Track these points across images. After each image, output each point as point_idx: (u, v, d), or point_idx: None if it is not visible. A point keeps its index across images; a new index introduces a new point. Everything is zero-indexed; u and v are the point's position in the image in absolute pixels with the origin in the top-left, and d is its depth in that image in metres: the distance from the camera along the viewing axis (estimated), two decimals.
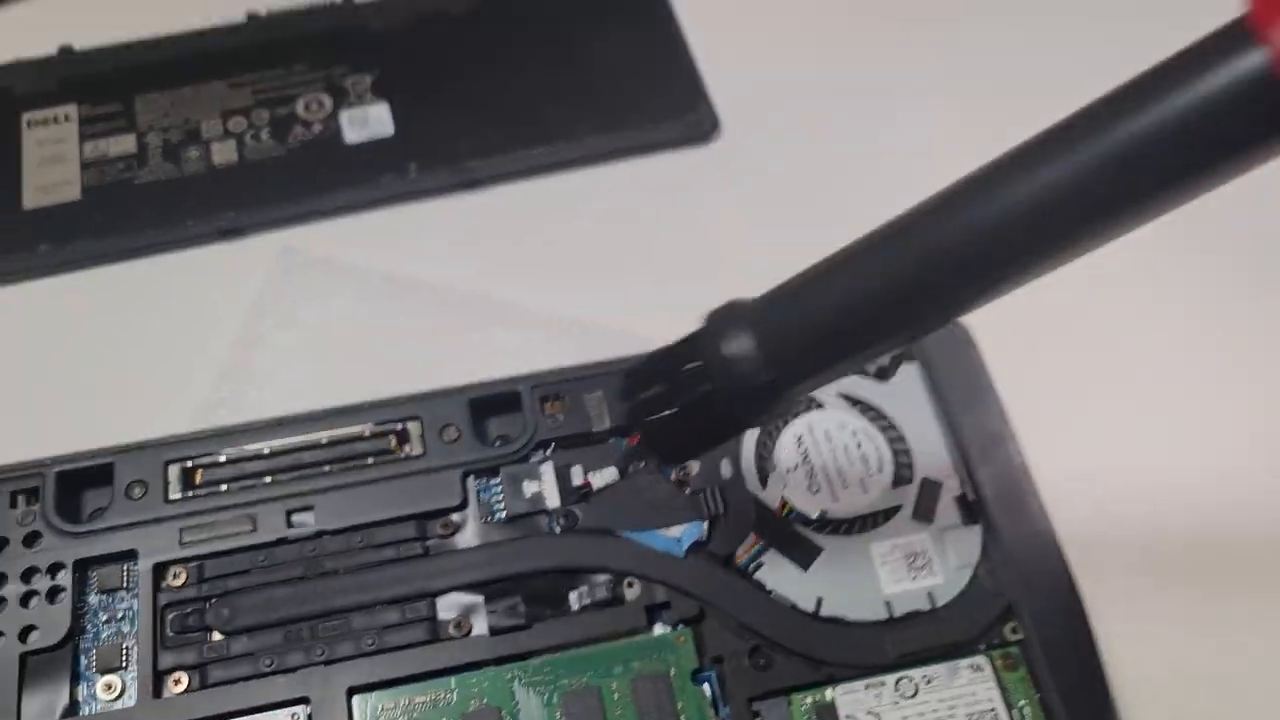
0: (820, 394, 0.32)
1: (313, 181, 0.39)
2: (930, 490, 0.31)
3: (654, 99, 0.42)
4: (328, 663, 0.28)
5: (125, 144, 0.40)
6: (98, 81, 0.42)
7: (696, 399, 0.24)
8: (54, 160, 0.40)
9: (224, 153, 0.40)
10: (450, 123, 0.41)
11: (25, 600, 0.29)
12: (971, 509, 0.30)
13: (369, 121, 0.41)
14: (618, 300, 0.37)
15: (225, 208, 0.39)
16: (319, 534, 0.30)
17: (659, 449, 0.27)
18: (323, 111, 0.41)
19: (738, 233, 0.39)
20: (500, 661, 0.28)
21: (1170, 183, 0.19)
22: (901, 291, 0.22)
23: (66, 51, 0.43)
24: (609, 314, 0.36)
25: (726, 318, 0.24)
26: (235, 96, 0.41)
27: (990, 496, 0.30)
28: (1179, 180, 0.19)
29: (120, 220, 0.38)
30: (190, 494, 0.31)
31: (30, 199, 0.39)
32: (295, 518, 0.30)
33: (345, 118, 0.41)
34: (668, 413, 0.25)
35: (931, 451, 0.31)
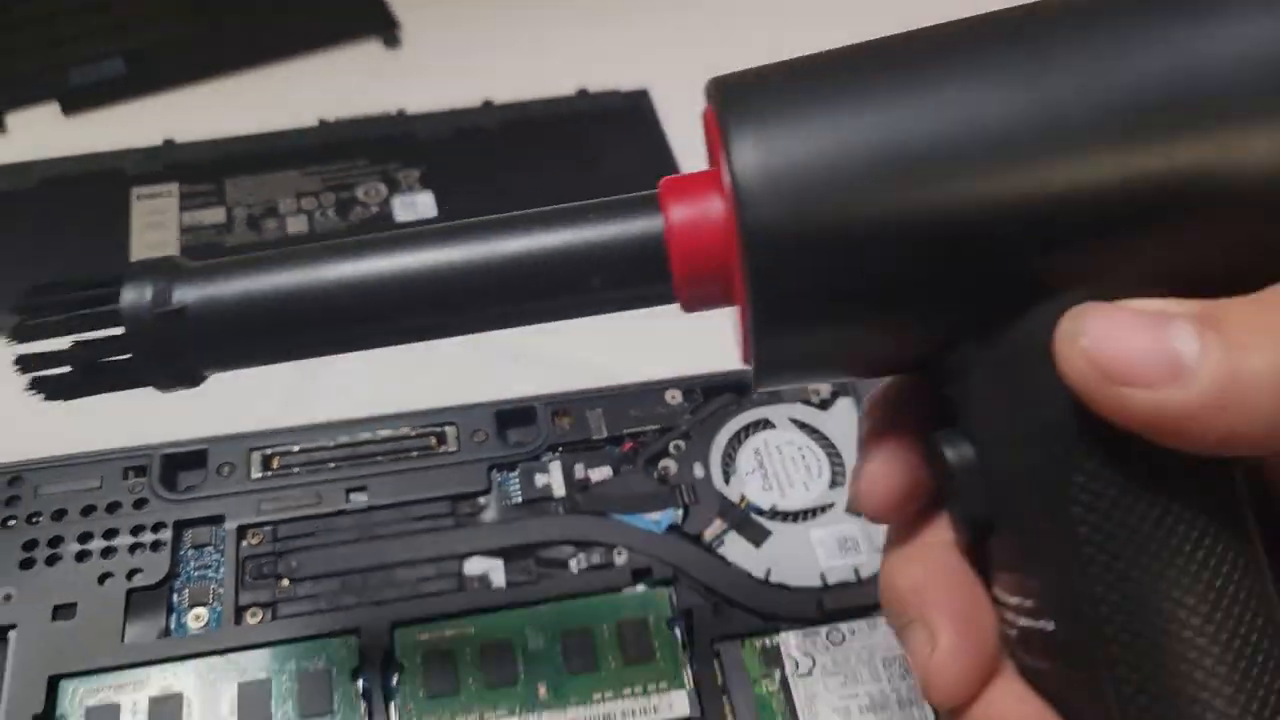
0: (774, 417, 0.40)
1: None
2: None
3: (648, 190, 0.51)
4: (375, 604, 0.35)
5: (216, 215, 0.49)
6: (194, 167, 0.51)
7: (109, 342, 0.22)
8: (157, 226, 0.49)
9: (297, 224, 0.49)
10: (483, 209, 0.50)
11: (133, 550, 0.36)
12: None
13: (416, 205, 0.50)
14: (608, 346, 0.45)
15: None
16: (370, 508, 0.37)
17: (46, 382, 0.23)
18: (379, 196, 0.50)
19: None
20: (513, 606, 0.35)
21: (553, 298, 0.22)
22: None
23: (169, 143, 0.52)
24: (602, 356, 0.45)
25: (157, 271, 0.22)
26: (307, 182, 0.51)
27: None
28: (560, 299, 0.22)
29: None
30: (268, 474, 0.38)
31: (136, 253, 0.48)
32: (352, 496, 0.38)
33: (397, 202, 0.50)
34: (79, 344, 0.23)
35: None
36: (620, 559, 0.37)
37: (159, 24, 0.58)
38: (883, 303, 0.19)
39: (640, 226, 0.21)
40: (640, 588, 0.36)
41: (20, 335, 0.23)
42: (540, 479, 0.38)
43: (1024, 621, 0.20)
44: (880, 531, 0.37)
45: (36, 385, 0.23)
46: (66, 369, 0.23)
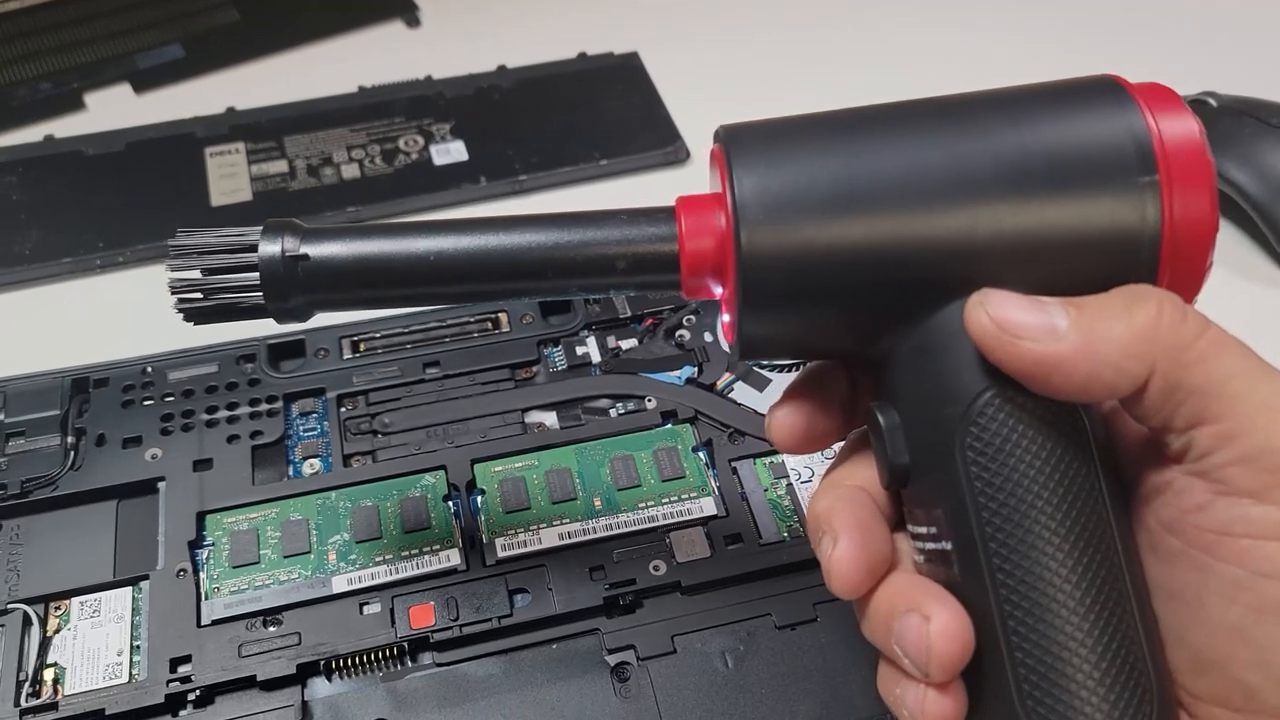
0: None
1: (414, 188, 0.55)
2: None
3: (643, 136, 0.58)
4: (456, 447, 0.42)
5: (280, 166, 0.56)
6: (256, 129, 0.58)
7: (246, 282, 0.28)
8: (230, 177, 0.55)
9: (350, 171, 0.56)
10: (506, 152, 0.57)
11: (252, 417, 0.43)
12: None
13: (451, 151, 0.57)
14: None
15: (352, 204, 0.54)
16: (444, 376, 0.44)
17: (191, 308, 0.28)
18: (417, 146, 0.57)
19: None
20: (567, 444, 0.42)
21: (587, 278, 0.27)
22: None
23: (231, 110, 0.59)
24: None
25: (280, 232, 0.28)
26: (355, 137, 0.57)
27: None
28: (593, 279, 0.27)
29: (281, 212, 0.53)
30: (356, 356, 0.45)
31: (216, 200, 0.54)
32: (428, 369, 0.44)
33: (434, 149, 0.57)
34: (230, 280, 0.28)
35: None
36: (650, 405, 0.44)
37: (209, 16, 0.65)
38: (836, 299, 0.25)
39: (661, 230, 0.27)
40: (668, 426, 0.43)
41: (176, 267, 0.28)
42: (580, 350, 0.45)
43: (929, 545, 0.26)
44: None
45: (182, 308, 0.28)
46: (207, 299, 0.28)
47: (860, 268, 0.25)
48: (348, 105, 0.59)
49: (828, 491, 0.28)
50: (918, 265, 0.25)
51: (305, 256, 0.27)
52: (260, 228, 0.28)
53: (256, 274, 0.28)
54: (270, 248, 0.28)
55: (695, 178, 0.57)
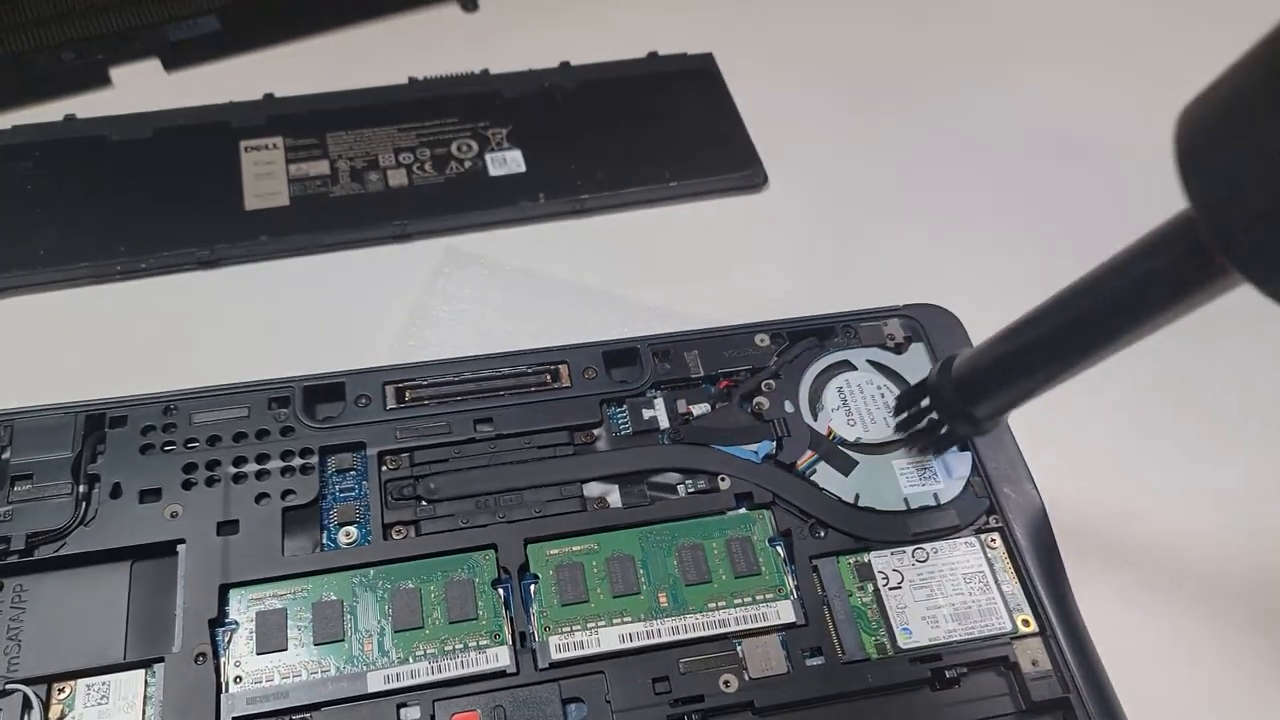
0: (854, 359, 0.42)
1: (466, 202, 0.50)
2: (934, 426, 0.41)
3: (718, 156, 0.53)
4: (509, 522, 0.38)
5: (321, 167, 0.51)
6: (296, 121, 0.52)
7: (932, 420, 0.38)
8: (267, 176, 0.50)
9: (397, 178, 0.50)
10: (568, 166, 0.52)
11: (284, 473, 0.38)
12: (964, 440, 0.41)
13: (507, 161, 0.51)
14: (693, 295, 0.47)
15: (399, 217, 0.49)
16: (497, 436, 0.40)
17: (922, 444, 0.40)
18: (471, 152, 0.52)
19: (776, 257, 0.50)
20: (630, 526, 0.38)
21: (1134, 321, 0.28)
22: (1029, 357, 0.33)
23: (269, 96, 0.53)
24: (687, 304, 0.47)
25: (941, 369, 0.37)
26: (403, 137, 0.52)
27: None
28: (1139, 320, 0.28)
29: (320, 222, 0.49)
30: (401, 406, 0.40)
31: (250, 203, 0.49)
32: (479, 426, 0.40)
33: (489, 158, 0.51)
34: (922, 425, 0.39)
35: None
36: (724, 485, 0.39)
37: None
38: None
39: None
40: (742, 510, 0.39)
41: (900, 427, 0.40)
42: (646, 413, 0.41)
43: None
44: (954, 462, 0.40)
45: (910, 441, 0.40)
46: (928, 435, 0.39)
47: None
48: (397, 99, 0.54)
49: None
50: None
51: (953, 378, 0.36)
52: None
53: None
54: (935, 379, 0.38)
55: (773, 207, 0.52)
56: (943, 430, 0.38)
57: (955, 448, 0.40)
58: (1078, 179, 0.53)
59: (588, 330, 0.44)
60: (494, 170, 0.51)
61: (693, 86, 0.56)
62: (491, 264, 0.48)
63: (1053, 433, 0.42)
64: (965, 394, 0.36)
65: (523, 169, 0.51)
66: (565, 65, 0.56)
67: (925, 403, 0.38)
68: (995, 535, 0.39)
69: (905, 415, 0.40)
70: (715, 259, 0.49)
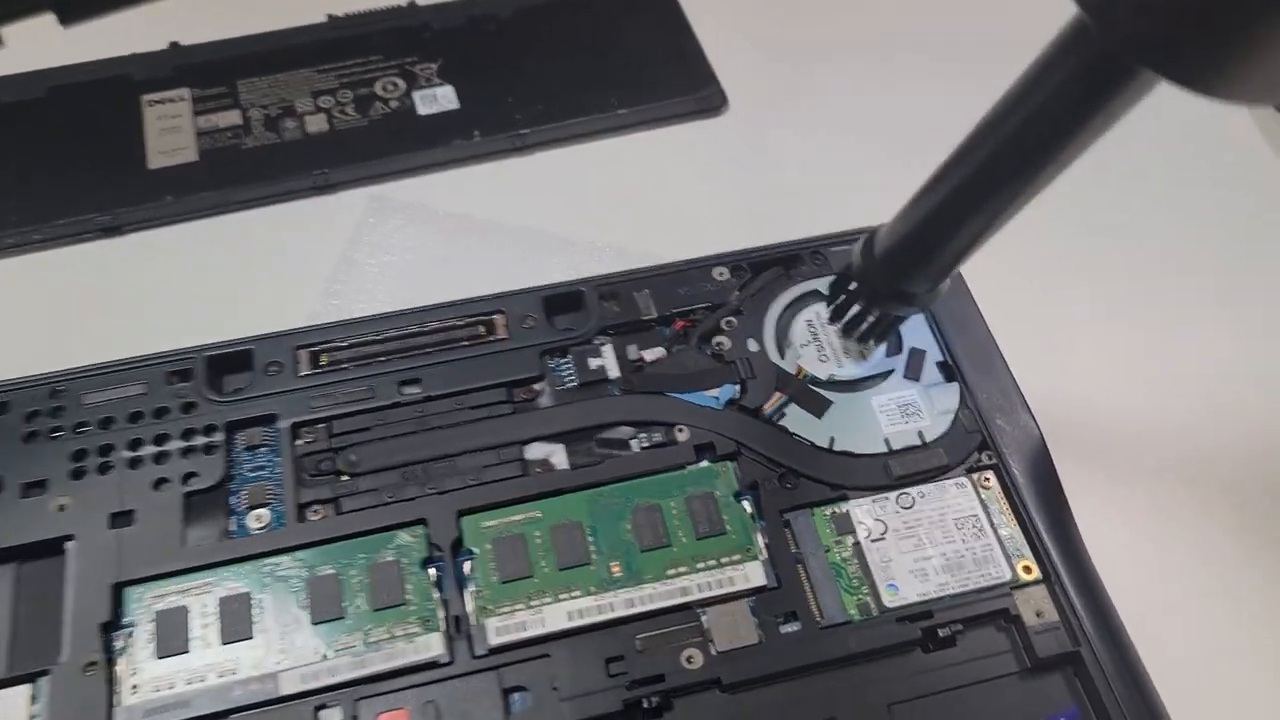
0: (825, 288, 0.37)
1: (393, 146, 0.45)
2: (917, 357, 0.36)
3: (670, 78, 0.48)
4: (440, 493, 0.33)
5: (232, 118, 0.46)
6: (204, 70, 0.47)
7: (862, 307, 0.34)
8: (172, 130, 0.45)
9: (316, 123, 0.45)
10: (505, 99, 0.47)
11: (185, 453, 0.34)
12: (950, 370, 0.36)
13: (438, 98, 0.46)
14: (647, 232, 0.43)
15: (319, 166, 0.44)
16: (426, 399, 0.35)
17: (852, 334, 0.35)
18: (398, 91, 0.47)
19: (737, 186, 0.45)
20: (578, 489, 0.33)
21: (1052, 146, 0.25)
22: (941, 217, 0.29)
23: (175, 46, 0.48)
24: (640, 242, 0.42)
25: (864, 249, 0.32)
26: (322, 80, 0.47)
27: (964, 360, 0.36)
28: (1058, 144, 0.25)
29: (232, 177, 0.44)
30: (317, 371, 0.36)
31: (154, 161, 0.44)
32: (405, 388, 0.35)
33: (417, 96, 0.46)
34: (854, 311, 0.34)
35: (915, 327, 0.37)
36: (682, 436, 0.34)
37: None
38: None
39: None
40: (704, 463, 0.34)
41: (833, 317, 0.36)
42: (594, 362, 0.36)
43: None
44: (940, 395, 0.35)
45: (846, 332, 0.36)
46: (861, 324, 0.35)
47: None
48: (314, 39, 0.49)
49: None
50: None
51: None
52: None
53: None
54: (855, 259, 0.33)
55: (733, 130, 0.47)
56: (872, 313, 0.34)
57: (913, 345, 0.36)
58: None
59: (530, 277, 0.39)
60: (423, 109, 0.46)
61: (642, 5, 0.51)
62: (422, 211, 0.43)
63: (1044, 339, 0.37)
64: (893, 271, 0.32)
65: (455, 106, 0.46)
66: None
67: (853, 287, 0.34)
68: (989, 474, 0.34)
69: (836, 304, 0.35)
70: (670, 192, 0.44)
